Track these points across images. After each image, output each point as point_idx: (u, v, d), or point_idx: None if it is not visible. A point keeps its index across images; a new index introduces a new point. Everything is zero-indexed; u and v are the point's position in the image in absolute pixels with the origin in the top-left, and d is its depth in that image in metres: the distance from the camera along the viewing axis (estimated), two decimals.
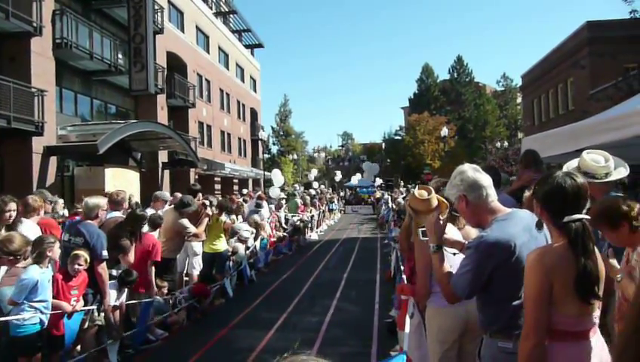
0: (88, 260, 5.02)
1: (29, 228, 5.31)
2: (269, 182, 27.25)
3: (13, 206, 5.26)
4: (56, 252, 4.66)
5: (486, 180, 2.59)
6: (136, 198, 13.48)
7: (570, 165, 3.73)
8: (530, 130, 30.10)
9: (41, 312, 4.36)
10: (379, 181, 37.32)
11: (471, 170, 2.60)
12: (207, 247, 8.93)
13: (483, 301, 2.54)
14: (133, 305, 6.16)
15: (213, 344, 6.46)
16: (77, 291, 4.96)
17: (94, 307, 5.24)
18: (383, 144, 61.31)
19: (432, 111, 50.56)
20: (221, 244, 9.09)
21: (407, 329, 3.32)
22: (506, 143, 38.80)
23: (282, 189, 23.36)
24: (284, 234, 15.21)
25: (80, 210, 6.87)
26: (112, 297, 5.58)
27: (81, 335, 5.17)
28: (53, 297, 4.65)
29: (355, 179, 40.47)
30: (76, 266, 4.95)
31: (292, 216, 17.52)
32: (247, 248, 10.77)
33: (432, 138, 46.71)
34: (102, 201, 5.70)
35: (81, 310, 4.99)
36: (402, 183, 32.07)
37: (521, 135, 40.25)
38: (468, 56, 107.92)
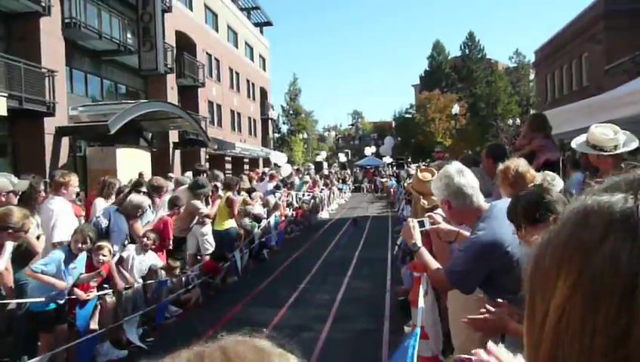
0: (112, 251, 5.10)
1: (60, 205, 5.36)
2: (267, 162, 27.57)
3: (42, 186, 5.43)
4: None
5: (471, 184, 2.58)
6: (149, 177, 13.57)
7: (579, 140, 3.75)
8: (543, 107, 29.68)
9: (57, 297, 4.46)
10: (389, 160, 37.15)
11: (456, 176, 2.58)
12: (216, 225, 8.97)
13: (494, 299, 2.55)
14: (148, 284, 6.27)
15: (226, 321, 6.53)
16: (96, 282, 5.04)
17: (110, 291, 5.34)
18: (394, 122, 60.86)
19: (443, 89, 49.84)
20: (228, 222, 9.09)
21: (420, 305, 3.30)
22: (518, 121, 38.29)
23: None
24: (296, 210, 15.21)
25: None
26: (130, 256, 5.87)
27: (98, 308, 5.27)
28: (74, 286, 4.76)
29: (369, 152, 40.60)
30: (100, 257, 5.00)
31: (303, 194, 17.54)
32: (260, 226, 10.82)
33: (443, 116, 46.19)
34: (145, 203, 6.02)
35: (95, 296, 5.09)
36: (410, 161, 31.77)
37: (533, 112, 39.64)
38: (480, 32, 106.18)
